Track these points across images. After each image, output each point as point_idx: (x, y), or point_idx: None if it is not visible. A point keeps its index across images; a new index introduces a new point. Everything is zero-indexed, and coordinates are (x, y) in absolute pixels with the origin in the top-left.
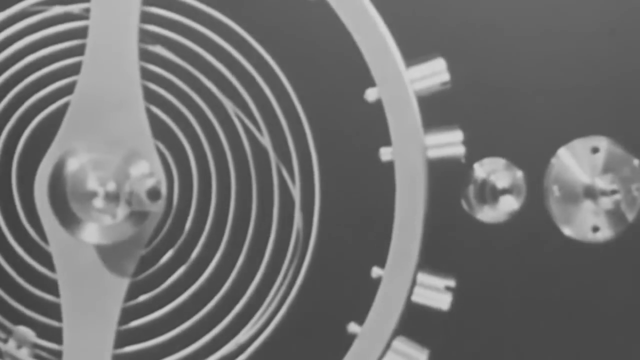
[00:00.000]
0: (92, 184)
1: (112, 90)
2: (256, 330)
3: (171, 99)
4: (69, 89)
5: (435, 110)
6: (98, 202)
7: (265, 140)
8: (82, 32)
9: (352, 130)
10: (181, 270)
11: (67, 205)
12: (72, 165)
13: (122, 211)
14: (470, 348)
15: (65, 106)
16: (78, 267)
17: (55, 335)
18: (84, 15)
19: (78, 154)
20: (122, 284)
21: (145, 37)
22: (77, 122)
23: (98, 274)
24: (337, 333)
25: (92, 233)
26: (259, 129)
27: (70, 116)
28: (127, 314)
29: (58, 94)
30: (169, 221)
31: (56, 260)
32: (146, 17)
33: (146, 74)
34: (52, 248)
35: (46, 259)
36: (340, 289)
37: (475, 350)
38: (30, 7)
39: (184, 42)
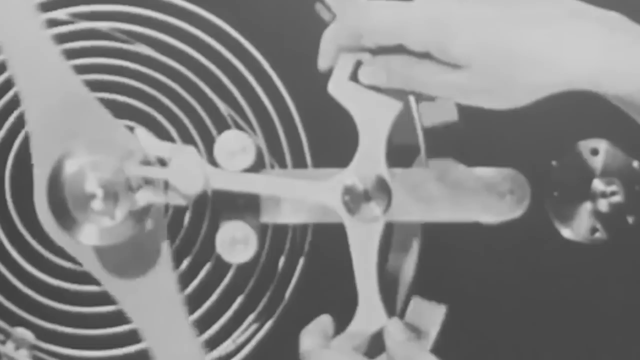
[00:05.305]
0: (90, 185)
1: (61, 97)
2: (254, 329)
3: (165, 100)
4: None
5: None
6: (97, 204)
7: (259, 140)
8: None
9: (347, 131)
10: (179, 270)
11: (65, 207)
12: (70, 167)
13: (120, 212)
14: (469, 349)
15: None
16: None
17: (53, 337)
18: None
19: (75, 156)
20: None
21: (140, 38)
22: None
23: None
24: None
25: (90, 235)
26: (252, 130)
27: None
28: (125, 315)
29: None
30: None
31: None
32: (142, 19)
33: (142, 76)
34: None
35: (43, 262)
36: (338, 288)
37: (474, 351)
38: None
39: (177, 44)
